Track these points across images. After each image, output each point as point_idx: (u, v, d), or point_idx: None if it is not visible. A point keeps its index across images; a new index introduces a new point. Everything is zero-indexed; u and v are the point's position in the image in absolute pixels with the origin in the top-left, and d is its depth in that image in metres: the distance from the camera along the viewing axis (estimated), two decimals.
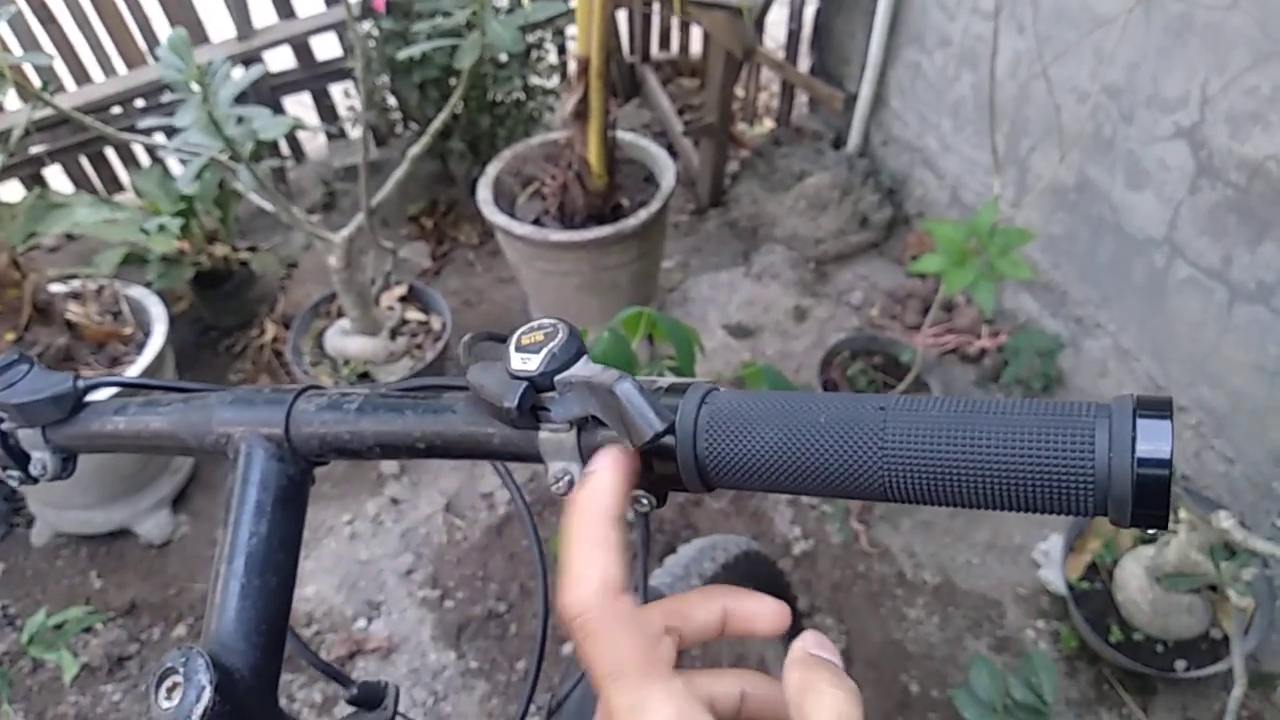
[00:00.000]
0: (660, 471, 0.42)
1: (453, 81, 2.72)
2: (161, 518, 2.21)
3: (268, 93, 3.03)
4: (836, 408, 0.38)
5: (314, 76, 3.17)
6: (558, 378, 0.42)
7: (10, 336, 1.95)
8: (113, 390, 0.61)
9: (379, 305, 2.40)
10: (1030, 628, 1.95)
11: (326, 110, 3.30)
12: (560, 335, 0.43)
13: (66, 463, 0.60)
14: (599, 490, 0.39)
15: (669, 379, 0.43)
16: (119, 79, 2.91)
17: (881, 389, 2.31)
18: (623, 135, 2.48)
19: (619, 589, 0.37)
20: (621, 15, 3.52)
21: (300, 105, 3.34)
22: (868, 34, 2.79)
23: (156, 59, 1.66)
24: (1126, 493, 0.33)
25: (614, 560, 0.38)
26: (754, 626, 0.42)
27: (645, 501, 0.44)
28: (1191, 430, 2.03)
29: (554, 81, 3.13)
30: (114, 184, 3.08)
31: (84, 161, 2.98)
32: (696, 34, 3.69)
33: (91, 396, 0.58)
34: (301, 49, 3.10)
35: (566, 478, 0.44)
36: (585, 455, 0.43)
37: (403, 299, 2.49)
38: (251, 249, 2.84)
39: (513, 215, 2.32)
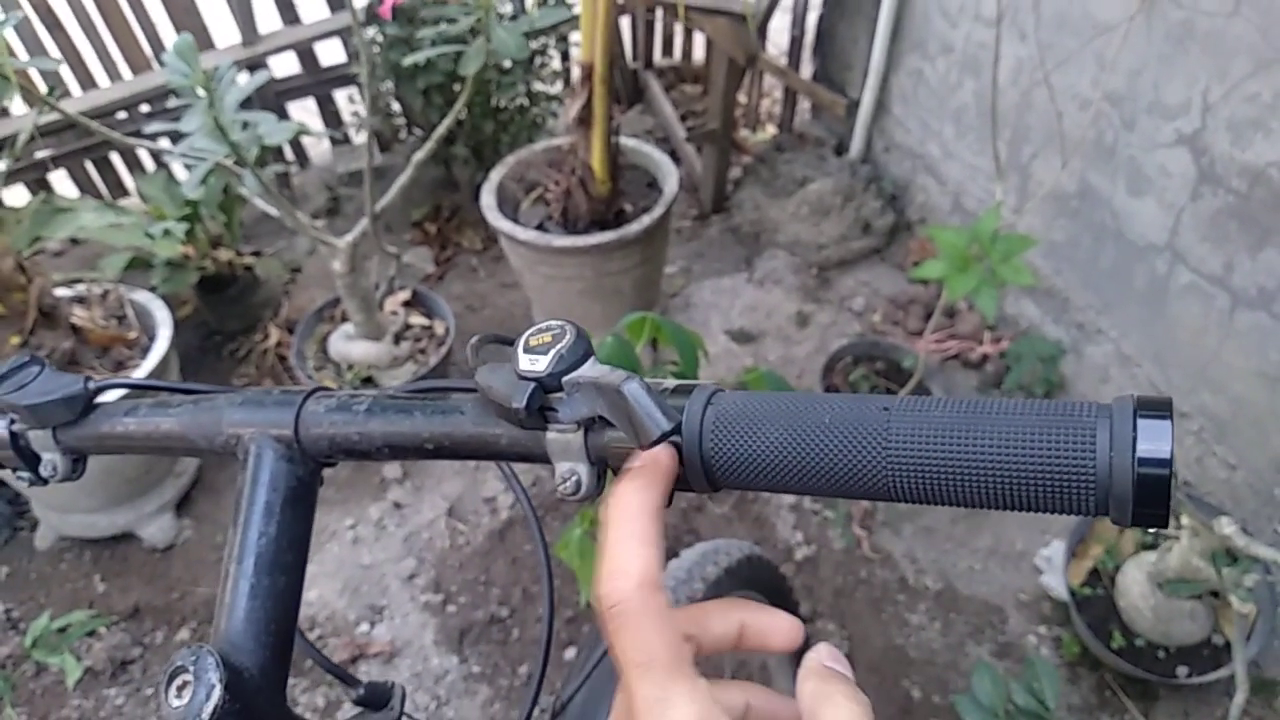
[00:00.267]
0: None
1: (456, 87, 2.73)
2: (165, 521, 2.21)
3: (272, 98, 3.04)
4: (841, 408, 0.39)
5: (318, 82, 3.19)
6: (565, 379, 0.43)
7: (15, 340, 1.96)
8: (122, 392, 0.62)
9: (383, 310, 2.40)
10: (1032, 633, 1.95)
11: (330, 116, 3.32)
12: (568, 337, 0.44)
13: (77, 464, 0.60)
14: (643, 484, 0.39)
15: (674, 381, 0.44)
16: (124, 84, 2.93)
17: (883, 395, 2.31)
18: (626, 141, 2.49)
19: (656, 583, 0.37)
20: (624, 21, 3.53)
21: (304, 111, 3.35)
22: (870, 41, 2.79)
23: (162, 64, 1.67)
24: (1128, 492, 0.33)
25: (654, 555, 0.38)
26: (769, 642, 0.42)
27: None
28: (1193, 436, 2.04)
29: (557, 87, 3.14)
30: (119, 189, 3.09)
31: (89, 166, 2.99)
32: (699, 40, 3.71)
33: (103, 398, 0.59)
34: (306, 55, 3.11)
35: (574, 478, 0.44)
36: (592, 456, 0.44)
37: (406, 304, 2.50)
38: (256, 254, 2.85)
39: (516, 220, 2.33)
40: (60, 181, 2.99)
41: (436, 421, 0.48)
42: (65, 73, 2.89)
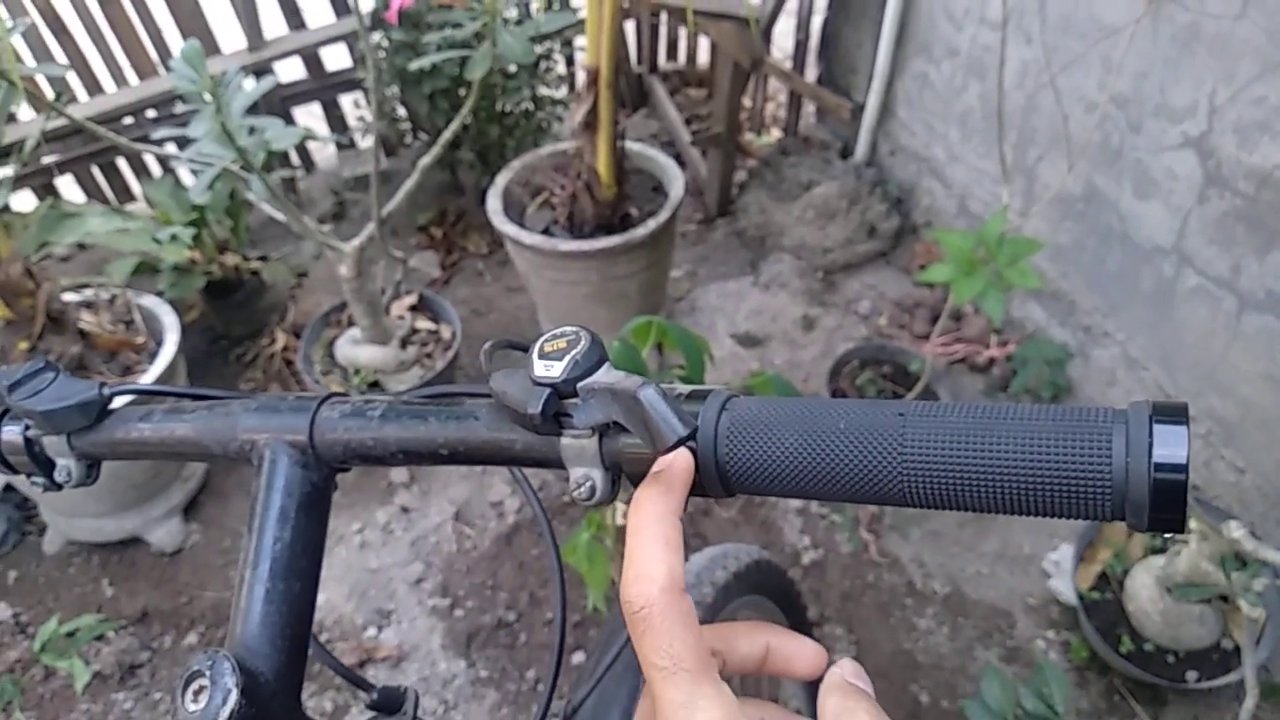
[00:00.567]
0: None
1: (462, 92, 2.73)
2: (173, 526, 2.22)
3: (278, 103, 3.04)
4: (856, 414, 0.39)
5: (324, 87, 3.20)
6: (580, 384, 0.43)
7: (24, 345, 1.96)
8: (134, 397, 0.62)
9: (389, 314, 2.41)
10: (1040, 638, 1.94)
11: (336, 120, 3.32)
12: (583, 342, 0.44)
13: (91, 469, 0.60)
14: (663, 489, 0.40)
15: (689, 386, 0.44)
16: (131, 89, 2.94)
17: (890, 399, 2.32)
18: (631, 145, 2.49)
19: (681, 588, 0.37)
20: (629, 26, 3.53)
21: (310, 116, 3.36)
22: (875, 44, 2.80)
23: (169, 69, 1.67)
24: (1144, 497, 0.33)
25: (677, 559, 0.38)
26: (792, 668, 0.42)
27: None
28: (1201, 440, 2.03)
29: (563, 92, 3.15)
30: (126, 194, 3.10)
31: (96, 171, 3.00)
32: (704, 44, 3.71)
33: (118, 403, 0.59)
34: (312, 60, 3.12)
35: (588, 483, 0.44)
36: (607, 461, 0.44)
37: (413, 308, 2.50)
38: (262, 258, 2.86)
39: (522, 225, 2.33)
40: (67, 187, 3.00)
41: (451, 427, 0.48)
42: (72, 79, 2.90)
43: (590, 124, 2.17)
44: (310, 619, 0.51)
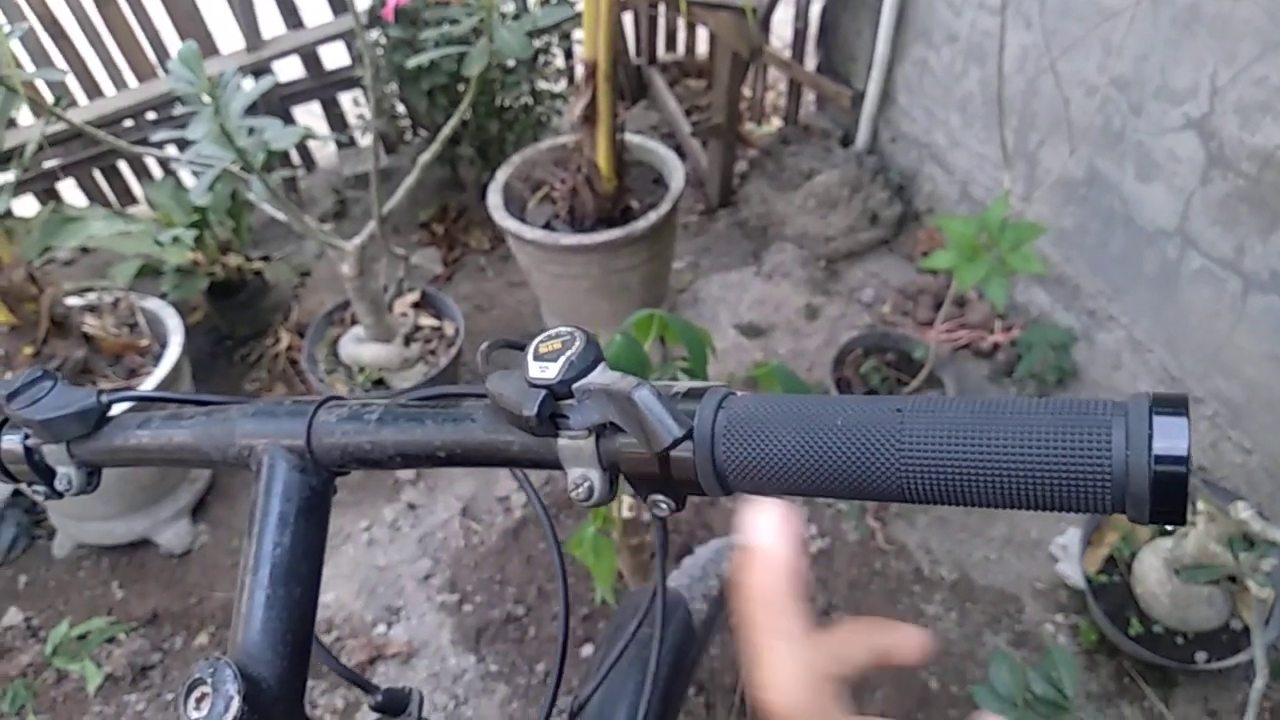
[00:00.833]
0: (679, 476, 0.42)
1: (461, 88, 2.73)
2: (181, 527, 2.22)
3: (277, 103, 3.04)
4: (853, 410, 0.39)
5: (323, 86, 3.19)
6: (576, 385, 0.43)
7: (28, 350, 1.97)
8: (132, 404, 0.62)
9: (392, 312, 2.41)
10: (1049, 622, 1.94)
11: (336, 119, 3.32)
12: (578, 343, 0.44)
13: (91, 477, 0.61)
14: (772, 570, 0.36)
15: (686, 384, 0.44)
16: (130, 92, 2.94)
17: (895, 386, 2.31)
18: (631, 138, 2.49)
19: (817, 686, 0.35)
20: (627, 17, 3.52)
21: (309, 114, 3.36)
22: (874, 31, 2.78)
23: (167, 72, 1.67)
24: (1144, 490, 0.33)
25: (811, 653, 0.35)
26: (897, 657, 0.41)
27: (664, 506, 0.44)
28: (1208, 421, 2.03)
29: (561, 85, 3.14)
30: (127, 196, 3.10)
31: (97, 175, 3.00)
32: (703, 35, 3.70)
33: (118, 409, 0.59)
34: (310, 58, 3.12)
35: (586, 484, 0.44)
36: (604, 461, 0.44)
37: (415, 305, 2.50)
38: (265, 258, 2.86)
39: (523, 220, 2.33)
40: (69, 191, 3.00)
41: (448, 429, 0.48)
42: (71, 82, 2.90)
43: (589, 117, 2.16)
44: (312, 623, 0.51)
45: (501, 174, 2.46)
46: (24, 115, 2.60)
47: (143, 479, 2.10)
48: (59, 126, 2.47)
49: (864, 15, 2.87)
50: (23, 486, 0.60)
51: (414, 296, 2.50)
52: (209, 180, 1.79)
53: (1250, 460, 1.95)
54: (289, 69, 3.10)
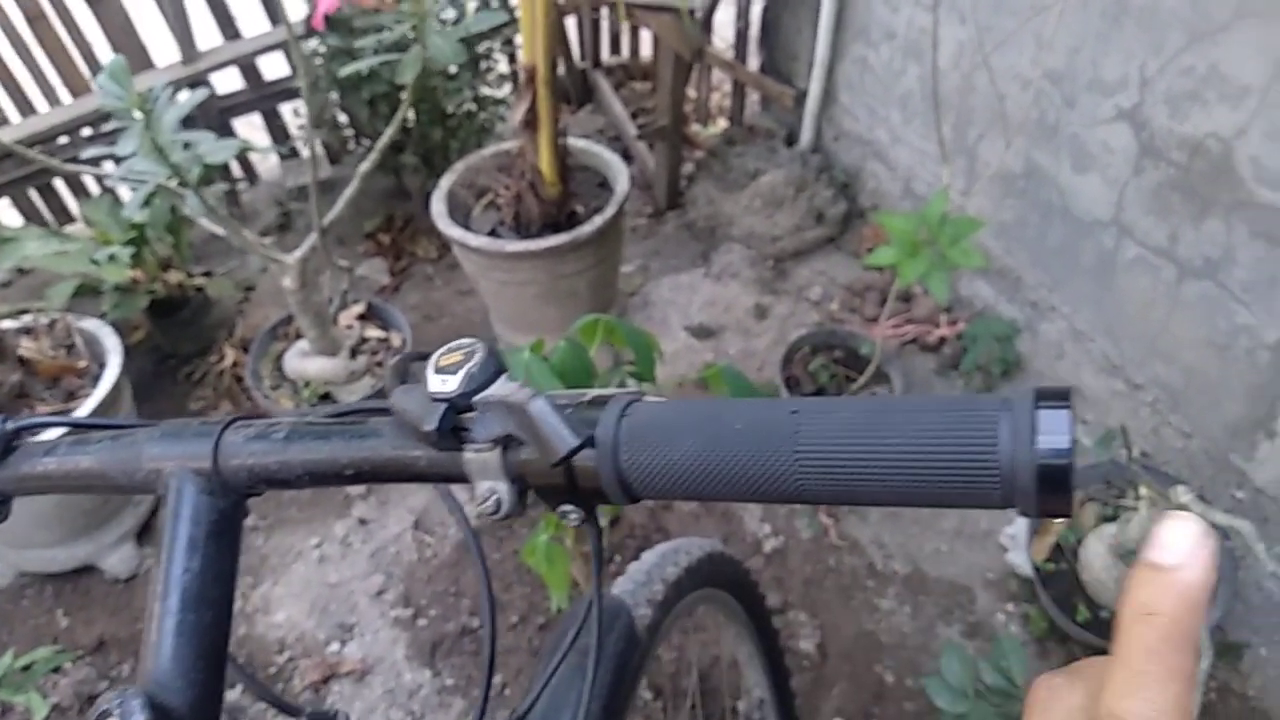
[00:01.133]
0: (584, 485, 0.42)
1: (402, 96, 2.70)
2: (126, 552, 2.18)
3: (216, 115, 3.00)
4: (751, 414, 0.39)
5: (263, 97, 3.15)
6: (476, 398, 0.42)
7: None
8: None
9: (337, 325, 2.38)
10: (1001, 611, 1.96)
11: (278, 130, 3.28)
12: (478, 355, 0.43)
13: (1, 506, 0.59)
14: (1182, 595, 0.30)
15: (594, 392, 0.44)
16: (64, 108, 2.88)
17: (843, 383, 2.33)
18: (574, 142, 2.48)
19: None
20: (570, 21, 3.52)
21: (251, 126, 3.31)
22: (814, 30, 2.80)
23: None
24: (1031, 484, 0.33)
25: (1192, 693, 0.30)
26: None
27: (574, 516, 0.44)
28: (1148, 408, 2.06)
29: (505, 91, 3.12)
30: (64, 214, 3.04)
31: (32, 193, 2.94)
32: (646, 38, 3.70)
33: (47, 434, 0.58)
34: (249, 69, 3.07)
35: (494, 497, 0.44)
36: (511, 474, 0.43)
37: (361, 317, 2.48)
38: (207, 274, 2.82)
39: (468, 227, 2.31)
40: (3, 210, 2.94)
41: (355, 447, 0.47)
42: (3, 99, 2.84)
43: (530, 123, 2.15)
44: (225, 649, 0.50)
45: (445, 181, 2.44)
46: None
47: (84, 504, 2.06)
48: None
49: (804, 14, 2.89)
50: None
51: (359, 308, 2.48)
52: (142, 196, 1.76)
53: (1191, 444, 1.99)
54: (228, 81, 3.06)
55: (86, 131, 2.87)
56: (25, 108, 2.88)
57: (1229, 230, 1.74)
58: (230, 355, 2.66)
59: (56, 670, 2.00)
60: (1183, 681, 0.29)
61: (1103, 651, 0.32)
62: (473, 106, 2.94)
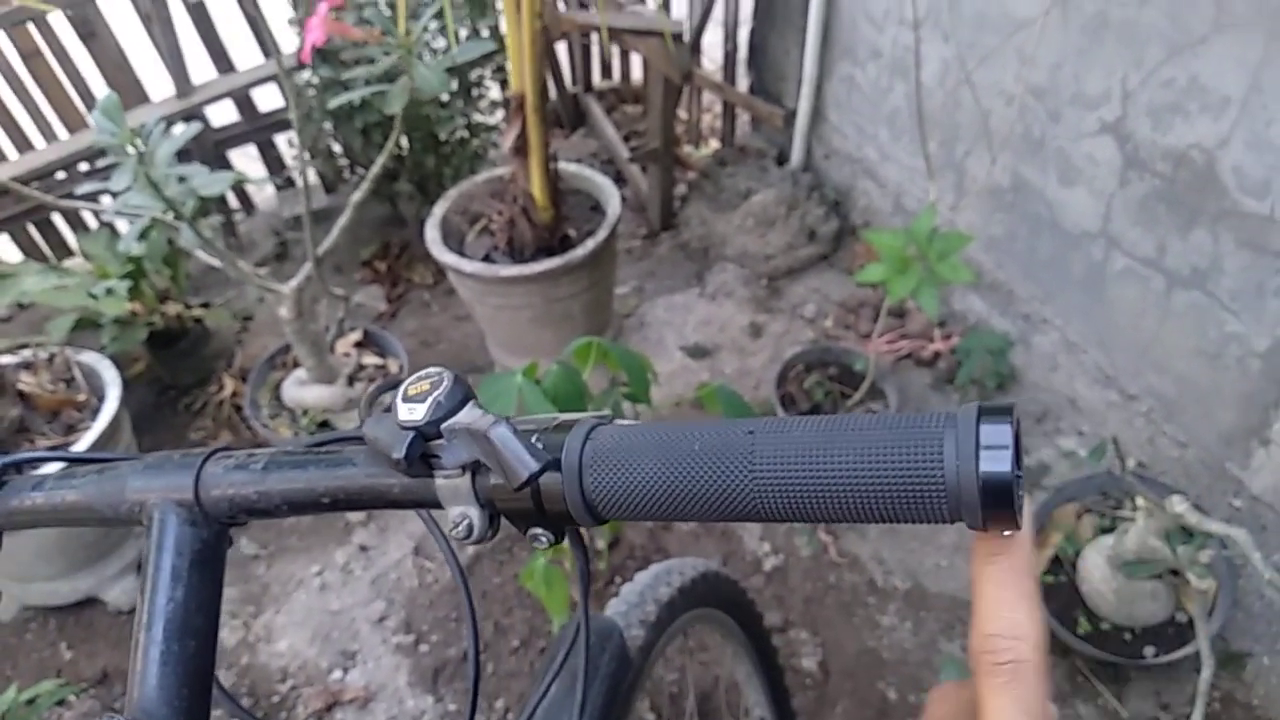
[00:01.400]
0: (550, 508, 0.43)
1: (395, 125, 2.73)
2: (128, 583, 2.18)
3: (211, 147, 3.02)
4: (709, 435, 0.40)
5: (258, 128, 3.18)
6: (444, 425, 0.43)
7: None
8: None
9: (334, 353, 2.40)
10: None
11: (273, 161, 3.31)
12: (445, 383, 0.44)
13: None
14: (1021, 537, 0.38)
15: (562, 415, 0.45)
16: (60, 144, 2.90)
17: (839, 399, 2.34)
18: (566, 166, 2.50)
19: (1046, 648, 0.37)
20: (561, 47, 3.55)
21: (246, 157, 3.34)
22: (801, 50, 2.83)
23: None
24: (975, 498, 0.34)
25: (1041, 617, 0.38)
26: None
27: (544, 539, 0.45)
28: (1143, 418, 2.07)
29: (497, 117, 3.15)
30: (63, 249, 3.06)
31: (31, 229, 2.96)
32: (637, 61, 3.74)
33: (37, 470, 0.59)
34: (244, 102, 3.10)
35: (465, 522, 0.45)
36: (481, 499, 0.44)
37: (358, 344, 2.49)
38: (205, 305, 2.83)
39: (462, 253, 2.33)
40: (2, 246, 2.96)
41: (331, 475, 0.48)
42: (0, 137, 2.87)
43: (521, 149, 2.17)
44: (210, 677, 0.51)
45: (439, 208, 2.46)
46: None
47: (86, 536, 2.07)
48: None
49: (791, 35, 2.92)
50: None
51: (356, 336, 2.49)
52: (138, 230, 1.78)
53: (1186, 453, 1.99)
54: (223, 113, 3.09)
55: (84, 167, 2.90)
56: (22, 144, 2.91)
57: (1215, 240, 1.75)
58: (229, 385, 2.67)
59: (61, 703, 2.00)
60: (1032, 599, 0.37)
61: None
62: (465, 133, 2.96)
